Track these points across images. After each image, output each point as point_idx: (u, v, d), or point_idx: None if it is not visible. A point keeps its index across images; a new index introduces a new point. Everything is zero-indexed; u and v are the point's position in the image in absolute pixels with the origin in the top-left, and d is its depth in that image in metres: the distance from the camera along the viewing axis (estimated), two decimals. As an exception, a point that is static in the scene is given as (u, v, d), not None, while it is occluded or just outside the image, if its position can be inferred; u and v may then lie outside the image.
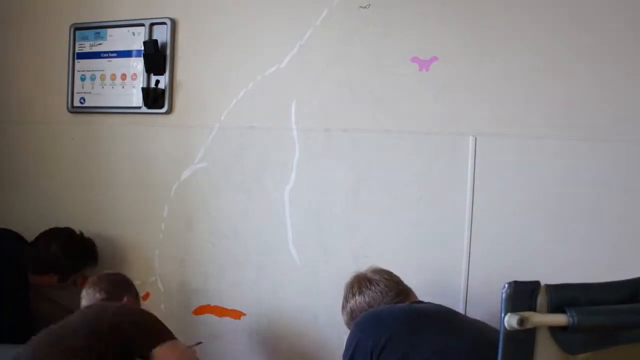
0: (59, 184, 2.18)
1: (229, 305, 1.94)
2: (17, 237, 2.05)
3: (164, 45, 1.99)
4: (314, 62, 1.83)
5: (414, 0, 1.72)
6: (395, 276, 1.55)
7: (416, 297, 1.55)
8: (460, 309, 1.63)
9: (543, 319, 0.88)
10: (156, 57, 1.97)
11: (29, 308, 1.90)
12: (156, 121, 2.03)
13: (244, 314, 1.93)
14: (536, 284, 0.90)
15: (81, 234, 1.99)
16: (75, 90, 2.14)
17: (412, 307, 1.42)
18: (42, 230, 2.05)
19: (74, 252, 1.94)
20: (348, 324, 1.53)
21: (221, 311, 1.96)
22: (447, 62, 1.69)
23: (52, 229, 1.99)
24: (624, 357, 0.91)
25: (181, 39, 1.99)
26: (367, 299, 1.50)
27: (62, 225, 2.03)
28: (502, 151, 1.64)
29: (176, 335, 1.82)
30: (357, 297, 1.51)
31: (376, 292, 1.49)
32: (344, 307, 1.55)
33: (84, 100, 2.13)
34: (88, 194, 2.13)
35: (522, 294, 0.87)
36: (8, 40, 2.26)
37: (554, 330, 0.89)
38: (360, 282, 1.53)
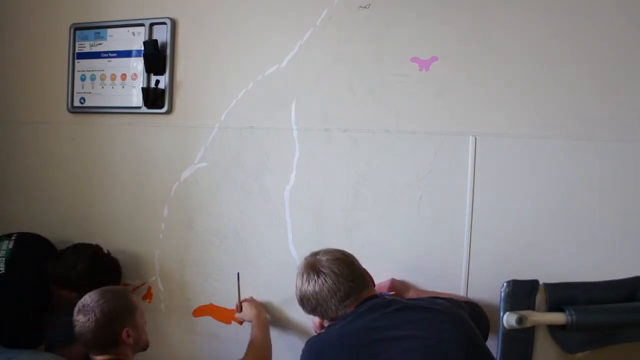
0: (59, 183, 2.18)
1: (229, 305, 1.94)
2: (43, 244, 2.01)
3: (164, 45, 1.99)
4: (314, 62, 1.83)
5: (414, 0, 1.72)
6: (347, 266, 1.47)
7: (370, 290, 1.49)
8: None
9: (542, 317, 0.89)
10: (156, 57, 1.97)
11: (42, 318, 1.88)
12: (156, 121, 2.03)
13: (244, 314, 1.93)
14: (535, 282, 0.90)
15: (109, 253, 1.97)
16: (75, 90, 2.14)
17: (348, 336, 1.36)
18: (41, 229, 2.07)
19: (98, 273, 1.88)
20: (303, 309, 1.53)
21: (221, 311, 1.95)
22: (447, 62, 1.69)
23: (80, 245, 1.95)
24: (622, 356, 0.91)
25: (181, 39, 1.99)
26: (312, 292, 1.45)
27: (60, 225, 2.04)
28: (502, 151, 1.64)
29: (176, 335, 1.83)
30: (304, 285, 1.47)
31: (323, 289, 1.44)
32: (295, 292, 1.52)
33: (84, 100, 2.13)
34: (88, 194, 2.13)
35: (520, 293, 0.87)
36: (8, 41, 2.26)
37: (553, 329, 0.89)
38: (309, 272, 1.48)
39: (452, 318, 1.36)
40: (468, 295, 1.66)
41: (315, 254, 1.53)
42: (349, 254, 1.53)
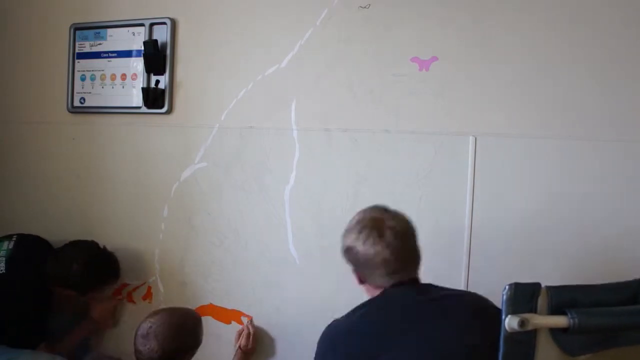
0: (59, 183, 2.18)
1: (229, 305, 1.94)
2: (43, 245, 2.00)
3: (164, 45, 1.99)
4: (314, 62, 1.83)
5: (414, 0, 1.72)
6: (409, 242, 1.35)
7: (415, 272, 1.38)
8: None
9: (544, 320, 0.88)
10: (156, 57, 1.97)
11: (43, 319, 1.88)
12: (156, 121, 2.02)
13: (244, 314, 1.93)
14: (537, 285, 0.90)
15: (104, 248, 1.96)
16: (75, 90, 2.14)
17: (369, 324, 1.29)
18: (41, 229, 2.06)
19: (95, 270, 1.89)
20: (343, 257, 1.42)
21: (221, 311, 1.96)
22: (447, 62, 1.69)
23: (77, 243, 1.94)
24: (624, 359, 0.91)
25: (181, 39, 1.99)
26: (364, 253, 1.32)
27: (60, 225, 2.03)
28: (502, 151, 1.64)
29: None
30: (359, 242, 1.33)
31: (377, 257, 1.30)
32: (343, 236, 1.40)
33: (84, 100, 2.12)
34: (88, 194, 2.13)
35: (522, 296, 0.87)
36: (8, 40, 2.26)
37: (555, 331, 0.89)
38: (371, 231, 1.33)
39: (470, 319, 1.27)
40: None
41: (384, 210, 1.39)
42: (414, 226, 1.39)
